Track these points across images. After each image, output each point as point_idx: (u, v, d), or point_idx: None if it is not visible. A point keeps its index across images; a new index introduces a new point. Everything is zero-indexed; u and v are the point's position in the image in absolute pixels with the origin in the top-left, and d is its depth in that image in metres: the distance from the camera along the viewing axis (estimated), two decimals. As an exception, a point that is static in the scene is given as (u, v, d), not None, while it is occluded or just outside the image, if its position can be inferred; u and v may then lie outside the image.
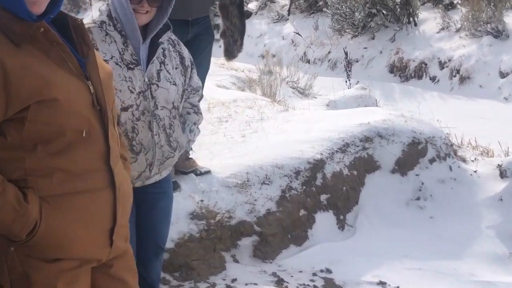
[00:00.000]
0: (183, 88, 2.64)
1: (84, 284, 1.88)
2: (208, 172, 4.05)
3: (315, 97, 7.70)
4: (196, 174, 4.04)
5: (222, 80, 6.90)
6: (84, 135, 1.77)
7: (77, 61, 1.79)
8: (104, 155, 1.84)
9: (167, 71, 2.53)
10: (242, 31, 3.98)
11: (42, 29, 1.72)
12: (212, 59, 8.30)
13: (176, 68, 2.59)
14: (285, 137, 4.67)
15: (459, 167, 4.83)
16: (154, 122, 2.45)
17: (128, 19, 2.36)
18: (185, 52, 2.69)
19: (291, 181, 4.16)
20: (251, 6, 15.56)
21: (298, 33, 13.03)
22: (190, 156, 4.14)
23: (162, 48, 2.53)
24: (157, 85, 2.47)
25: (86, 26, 2.34)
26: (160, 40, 2.51)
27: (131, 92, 2.37)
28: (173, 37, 2.65)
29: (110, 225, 1.89)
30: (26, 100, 1.65)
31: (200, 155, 4.33)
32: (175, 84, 2.55)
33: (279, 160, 4.22)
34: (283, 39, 13.66)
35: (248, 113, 5.34)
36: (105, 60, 2.29)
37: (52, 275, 1.78)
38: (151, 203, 2.68)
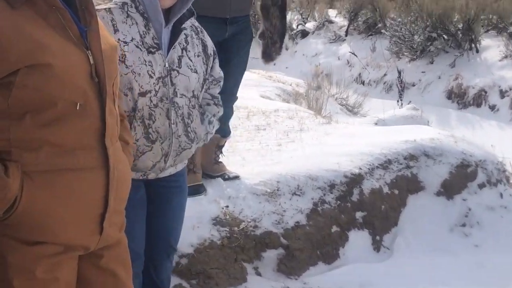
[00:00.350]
0: (204, 77, 2.47)
1: (67, 272, 1.70)
2: (236, 177, 3.85)
3: (364, 116, 7.42)
4: (224, 179, 3.84)
5: (266, 91, 6.73)
6: (78, 107, 1.60)
7: (77, 29, 1.64)
8: (99, 132, 1.67)
9: (189, 58, 2.37)
10: (282, 33, 3.78)
11: None
12: (260, 71, 8.27)
13: (198, 56, 2.42)
14: (322, 149, 4.43)
15: (511, 195, 4.47)
16: (173, 110, 2.29)
17: (151, 0, 2.21)
18: (209, 41, 2.52)
19: (324, 194, 3.90)
20: (309, 25, 15.44)
21: (354, 54, 12.77)
22: (220, 160, 3.95)
23: (184, 34, 2.37)
24: (178, 72, 2.31)
25: (106, 6, 2.22)
26: (183, 25, 2.35)
27: (150, 77, 2.22)
28: (196, 24, 2.49)
29: (101, 210, 1.71)
30: (15, 64, 1.50)
31: (232, 160, 4.14)
32: (196, 72, 2.38)
33: (313, 171, 3.98)
34: (339, 59, 13.42)
35: (288, 123, 5.13)
36: (125, 42, 2.17)
37: (30, 259, 1.60)
38: (165, 197, 2.50)
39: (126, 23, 2.21)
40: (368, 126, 5.83)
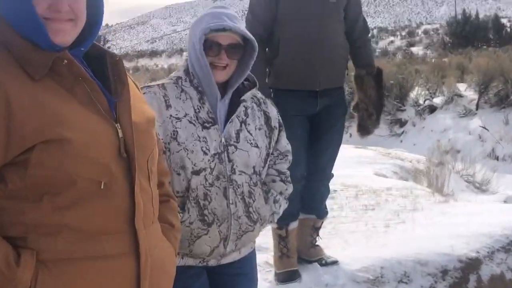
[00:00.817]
0: (267, 151, 2.27)
1: None
2: (335, 262, 3.53)
3: (493, 193, 6.75)
4: (321, 264, 3.53)
5: (382, 169, 6.37)
6: (102, 187, 1.44)
7: (106, 100, 1.51)
8: (128, 214, 1.50)
9: (248, 132, 2.19)
10: (378, 105, 3.50)
11: (66, 61, 1.45)
12: (377, 148, 7.93)
13: (259, 129, 2.24)
14: (435, 230, 3.99)
15: None
16: (231, 189, 2.10)
17: (204, 73, 2.09)
18: (273, 112, 2.34)
19: (435, 281, 3.45)
20: (437, 100, 14.86)
21: (485, 128, 11.99)
22: (317, 243, 3.67)
23: (244, 106, 2.21)
24: (235, 147, 2.13)
25: (161, 82, 2.15)
26: (243, 97, 2.19)
27: (205, 153, 2.06)
28: (259, 95, 2.32)
29: None
30: (31, 139, 1.37)
31: (332, 243, 3.84)
32: (257, 146, 2.19)
33: (422, 255, 3.56)
34: (469, 134, 12.65)
35: (400, 202, 4.74)
36: (177, 118, 2.06)
37: None
38: (229, 287, 2.26)
39: (180, 98, 2.10)
40: (493, 204, 5.25)
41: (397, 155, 7.34)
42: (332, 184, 5.36)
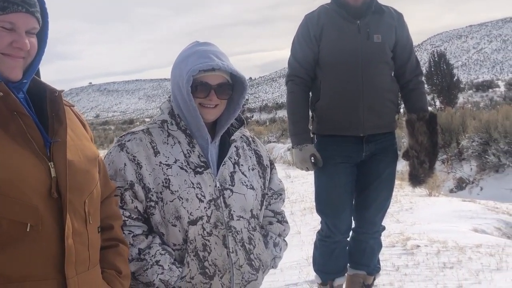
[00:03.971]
0: (263, 192, 2.15)
1: None
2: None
3: None
4: (371, 324, 3.26)
5: (483, 224, 5.83)
6: (28, 229, 1.38)
7: (42, 138, 1.48)
8: (57, 259, 1.43)
9: (242, 173, 2.08)
10: (431, 152, 3.20)
11: (1, 93, 1.44)
12: (487, 202, 7.29)
13: (253, 169, 2.13)
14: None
15: None
16: (230, 237, 1.99)
17: (193, 116, 1.98)
18: (263, 150, 2.22)
19: None
20: None
21: None
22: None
23: (235, 146, 2.11)
24: (231, 190, 2.02)
25: (145, 127, 2.06)
26: (233, 137, 2.10)
27: (200, 200, 1.95)
28: (247, 133, 2.21)
29: None
30: None
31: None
32: (252, 188, 2.08)
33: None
34: None
35: (484, 261, 4.29)
36: (168, 165, 1.95)
37: None
38: None
39: (168, 143, 2.00)
40: None
41: (507, 210, 6.69)
42: (418, 240, 5.03)
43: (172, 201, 1.92)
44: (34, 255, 1.39)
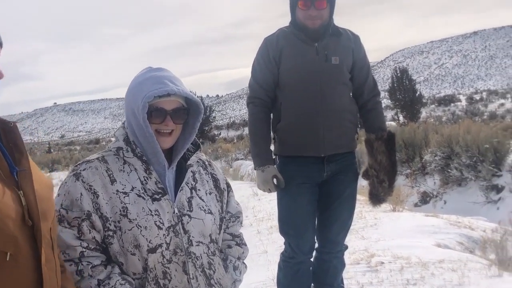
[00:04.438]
0: (221, 216, 2.16)
1: None
2: None
3: None
4: None
5: (446, 239, 5.92)
6: (8, 258, 1.37)
7: (8, 167, 1.48)
8: (35, 286, 1.43)
9: (200, 198, 2.08)
10: (390, 171, 3.25)
11: None
12: (449, 217, 7.41)
13: (210, 193, 2.14)
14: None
15: None
16: (190, 263, 1.98)
17: (149, 142, 1.97)
18: (219, 174, 2.23)
19: None
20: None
21: None
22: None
23: (191, 171, 2.11)
24: (189, 216, 2.01)
25: (100, 155, 2.04)
26: (189, 162, 2.10)
27: (159, 228, 1.93)
28: (204, 157, 2.22)
29: None
30: None
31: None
32: (210, 213, 2.08)
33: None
34: None
35: (447, 276, 4.35)
36: (125, 193, 1.93)
37: None
38: None
39: (124, 170, 1.98)
40: None
41: (469, 224, 6.81)
42: (382, 256, 5.08)
43: (131, 229, 1.90)
44: (11, 284, 1.38)
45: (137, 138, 2.01)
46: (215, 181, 2.19)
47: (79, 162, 2.02)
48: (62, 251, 1.81)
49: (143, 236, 1.90)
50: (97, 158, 2.01)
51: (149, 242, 1.91)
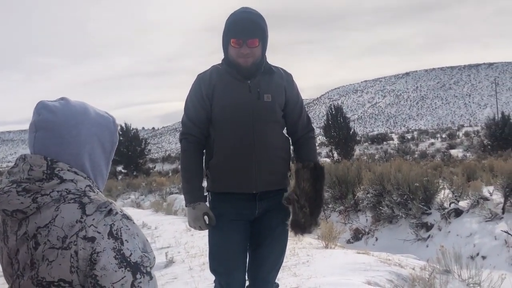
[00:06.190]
0: None
1: None
2: None
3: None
4: None
5: (376, 276, 5.98)
6: None
7: None
8: None
9: None
10: (312, 198, 3.21)
11: None
12: (380, 254, 7.54)
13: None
14: None
15: None
16: None
17: None
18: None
19: None
20: (462, 204, 14.34)
21: (510, 234, 11.38)
22: None
23: None
24: None
25: None
26: None
27: None
28: None
29: None
30: None
31: None
32: None
33: None
34: (495, 239, 12.03)
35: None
36: None
37: None
38: None
39: None
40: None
41: (399, 262, 6.93)
42: (313, 293, 5.07)
43: None
44: None
45: None
46: None
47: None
48: None
49: None
50: None
51: None
